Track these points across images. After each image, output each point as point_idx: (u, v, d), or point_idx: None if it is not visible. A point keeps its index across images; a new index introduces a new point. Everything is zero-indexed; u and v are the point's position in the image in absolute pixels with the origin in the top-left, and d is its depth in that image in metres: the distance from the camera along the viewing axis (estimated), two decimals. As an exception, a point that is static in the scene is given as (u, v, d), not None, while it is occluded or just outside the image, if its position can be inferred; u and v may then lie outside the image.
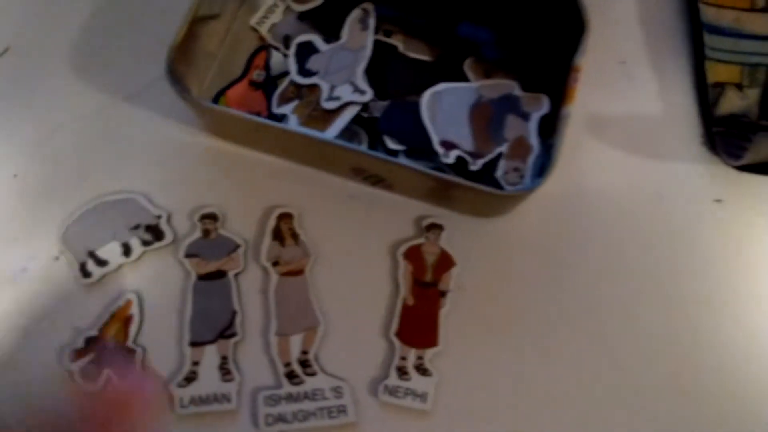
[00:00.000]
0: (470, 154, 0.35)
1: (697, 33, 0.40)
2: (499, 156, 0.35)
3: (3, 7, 0.41)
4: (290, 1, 0.39)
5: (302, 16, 0.39)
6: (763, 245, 0.36)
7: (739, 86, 0.38)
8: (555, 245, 0.36)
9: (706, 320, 0.35)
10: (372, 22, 0.37)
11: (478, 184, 0.31)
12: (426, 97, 0.35)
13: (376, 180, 0.36)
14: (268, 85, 0.38)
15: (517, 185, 0.34)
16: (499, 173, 0.35)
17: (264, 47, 0.39)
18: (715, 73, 0.38)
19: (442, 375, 0.34)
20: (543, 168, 0.32)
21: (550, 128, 0.34)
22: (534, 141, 0.35)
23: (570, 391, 0.34)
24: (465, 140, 0.35)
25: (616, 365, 0.35)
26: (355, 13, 0.38)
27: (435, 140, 0.35)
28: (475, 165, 0.35)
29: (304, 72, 0.37)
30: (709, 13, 0.39)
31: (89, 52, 0.40)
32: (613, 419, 0.34)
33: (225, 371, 0.34)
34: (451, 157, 0.35)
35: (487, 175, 0.35)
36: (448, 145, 0.35)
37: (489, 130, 0.35)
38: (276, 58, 0.39)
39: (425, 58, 0.38)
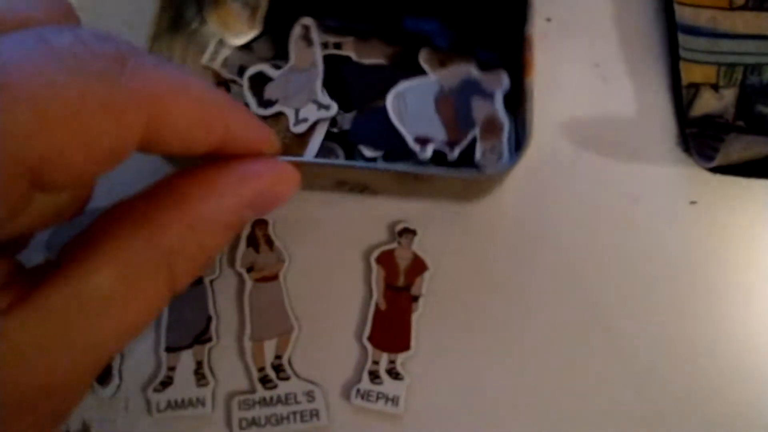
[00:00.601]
0: (446, 144, 0.36)
1: (672, 34, 0.39)
2: (474, 140, 0.36)
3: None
4: (227, 37, 0.39)
5: (245, 48, 0.39)
6: (736, 246, 0.36)
7: (715, 87, 0.38)
8: (528, 248, 0.37)
9: (681, 320, 0.35)
10: (315, 36, 0.38)
11: (458, 172, 0.32)
12: (390, 100, 0.36)
13: (361, 188, 0.36)
14: None
15: (497, 163, 0.35)
16: (477, 156, 0.35)
17: (221, 83, 0.39)
18: (690, 73, 0.38)
19: (413, 378, 0.34)
20: (519, 142, 0.32)
21: (516, 102, 0.35)
22: (503, 117, 0.36)
23: (542, 391, 0.34)
24: (438, 132, 0.36)
25: (589, 366, 0.35)
26: (296, 31, 0.38)
27: (409, 139, 0.36)
28: (453, 154, 0.35)
29: (263, 103, 0.37)
30: (684, 13, 0.39)
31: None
32: (587, 417, 0.34)
33: (200, 376, 0.34)
34: (428, 152, 0.35)
35: (467, 160, 0.35)
36: (423, 141, 0.36)
37: (458, 117, 0.36)
38: (236, 90, 0.39)
39: (380, 61, 0.39)
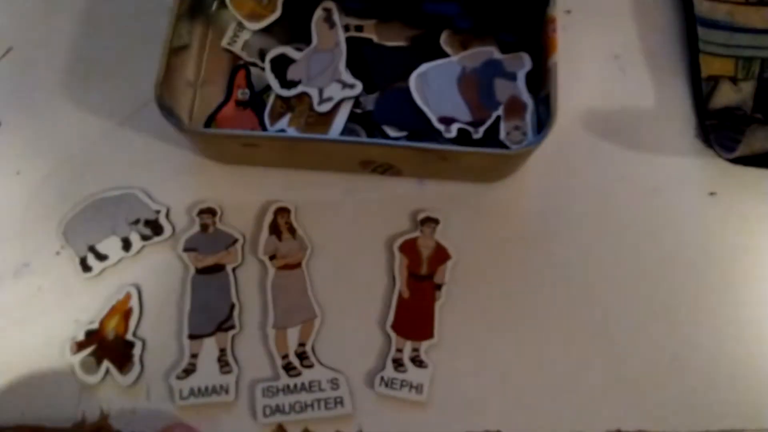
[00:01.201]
0: (470, 124, 0.36)
1: (691, 27, 0.40)
2: (498, 119, 0.36)
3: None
4: (245, 21, 0.39)
5: (264, 31, 0.39)
6: (757, 237, 0.36)
7: (734, 79, 0.38)
8: (550, 238, 0.37)
9: (701, 310, 0.36)
10: (337, 18, 0.38)
11: (487, 149, 0.33)
12: (413, 80, 0.36)
13: (384, 169, 0.36)
14: (255, 101, 0.38)
15: (521, 142, 0.35)
16: (502, 135, 0.36)
17: (241, 66, 0.39)
18: (709, 66, 0.38)
19: (437, 366, 0.34)
20: (541, 121, 0.32)
21: (537, 83, 0.35)
22: (526, 97, 0.36)
23: (566, 378, 0.34)
24: (462, 112, 0.36)
25: (610, 353, 0.35)
26: (318, 14, 0.38)
27: (433, 119, 0.36)
28: (478, 133, 0.36)
29: (286, 84, 0.37)
30: (703, 7, 0.40)
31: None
32: (609, 406, 0.34)
33: (223, 363, 0.34)
34: (453, 132, 0.36)
35: (491, 139, 0.36)
36: (447, 121, 0.36)
37: (481, 98, 0.36)
38: (256, 73, 0.39)
39: (402, 43, 0.39)
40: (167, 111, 0.32)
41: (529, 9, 0.35)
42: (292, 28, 0.39)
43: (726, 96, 0.38)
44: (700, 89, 0.38)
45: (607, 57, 0.40)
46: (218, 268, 0.35)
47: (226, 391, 0.33)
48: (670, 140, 0.39)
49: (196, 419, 0.34)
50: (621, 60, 0.40)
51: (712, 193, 0.37)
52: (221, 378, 0.34)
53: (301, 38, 0.39)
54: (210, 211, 0.36)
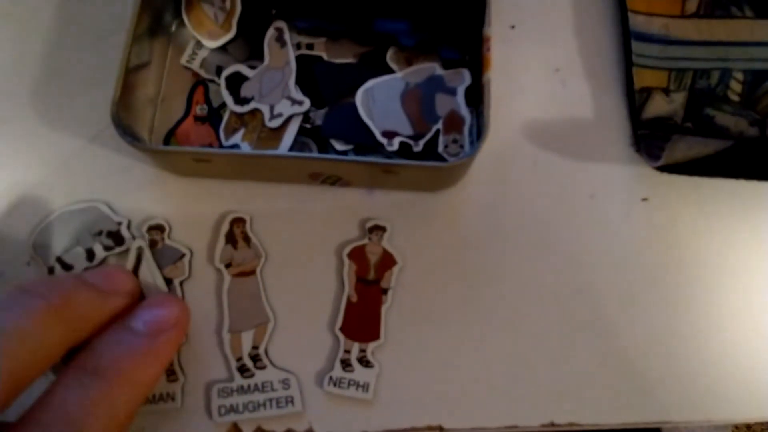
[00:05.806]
0: (411, 137, 0.38)
1: (627, 41, 0.42)
2: (438, 133, 0.38)
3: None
4: (203, 39, 0.41)
5: (221, 49, 0.41)
6: (684, 238, 0.39)
7: (666, 91, 0.40)
8: (491, 243, 0.39)
9: (633, 307, 0.38)
10: (288, 37, 0.40)
11: (423, 162, 0.35)
12: (359, 96, 0.38)
13: (334, 180, 0.38)
14: (212, 117, 0.40)
15: (458, 155, 0.37)
16: (440, 148, 0.38)
17: (200, 82, 0.41)
18: (642, 78, 0.40)
19: (383, 366, 0.36)
20: (480, 136, 0.34)
21: (477, 99, 0.38)
22: (464, 112, 0.38)
23: (501, 376, 0.36)
24: (404, 126, 0.38)
25: (546, 351, 0.37)
26: (270, 33, 0.40)
27: (377, 133, 0.38)
28: (418, 146, 0.38)
29: (240, 101, 0.39)
30: (638, 21, 0.42)
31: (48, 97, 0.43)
32: (544, 401, 0.36)
33: (170, 372, 0.36)
34: (395, 145, 0.38)
35: (431, 152, 0.38)
36: (390, 135, 0.38)
37: (422, 112, 0.38)
38: (214, 89, 0.41)
39: (350, 60, 0.41)
40: (123, 128, 0.34)
41: (466, 28, 0.38)
42: (248, 46, 0.42)
43: (658, 106, 0.40)
44: (634, 100, 0.40)
45: (549, 70, 0.42)
46: (166, 282, 0.37)
47: (173, 399, 0.35)
48: (607, 149, 0.41)
49: (146, 422, 0.36)
50: (562, 73, 0.42)
51: (644, 199, 0.40)
52: (168, 386, 0.36)
53: (257, 56, 0.41)
54: (158, 228, 0.38)
